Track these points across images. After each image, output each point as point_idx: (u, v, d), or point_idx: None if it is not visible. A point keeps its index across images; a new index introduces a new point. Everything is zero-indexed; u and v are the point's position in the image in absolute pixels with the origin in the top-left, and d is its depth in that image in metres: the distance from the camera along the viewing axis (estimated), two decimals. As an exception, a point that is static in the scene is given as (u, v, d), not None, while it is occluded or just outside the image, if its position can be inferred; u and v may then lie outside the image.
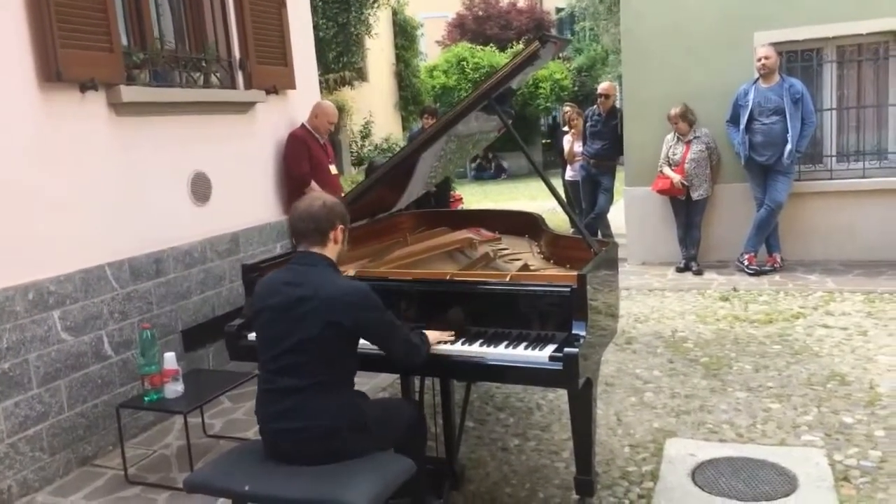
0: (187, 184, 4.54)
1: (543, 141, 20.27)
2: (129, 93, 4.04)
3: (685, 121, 6.74)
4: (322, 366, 2.43)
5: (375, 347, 2.59)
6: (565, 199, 4.79)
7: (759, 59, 6.37)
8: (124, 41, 4.22)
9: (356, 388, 2.61)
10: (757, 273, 6.60)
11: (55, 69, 3.60)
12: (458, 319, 2.80)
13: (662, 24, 7.06)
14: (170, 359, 3.63)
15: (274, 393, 2.47)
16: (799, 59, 6.79)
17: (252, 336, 3.10)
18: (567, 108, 8.74)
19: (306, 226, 2.53)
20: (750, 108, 6.41)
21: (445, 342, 2.73)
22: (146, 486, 3.53)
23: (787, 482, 3.14)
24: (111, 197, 4.00)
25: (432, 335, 2.69)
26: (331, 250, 2.57)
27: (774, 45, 6.49)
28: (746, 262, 6.68)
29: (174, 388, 3.61)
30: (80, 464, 3.79)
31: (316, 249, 2.55)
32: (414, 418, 2.79)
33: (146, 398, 3.61)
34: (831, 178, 6.78)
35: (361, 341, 2.53)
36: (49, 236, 3.65)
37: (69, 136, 3.78)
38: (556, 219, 7.71)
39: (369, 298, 2.47)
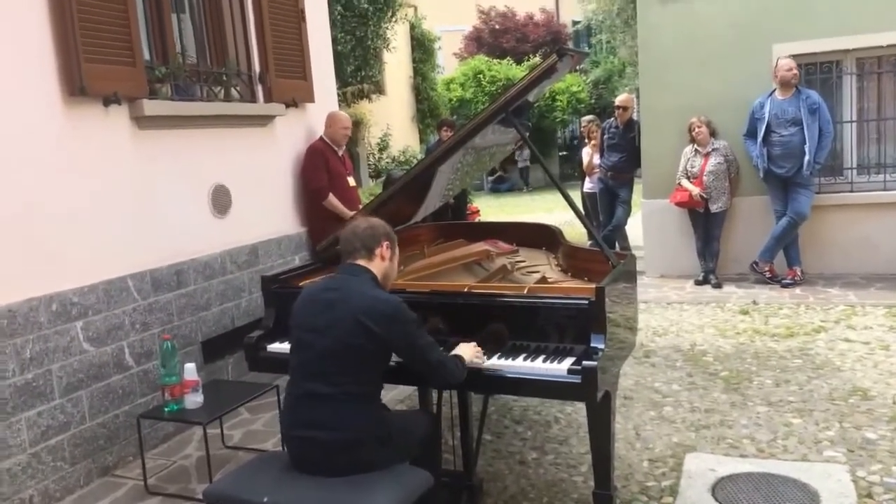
0: (208, 196, 4.59)
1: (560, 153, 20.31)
2: (151, 106, 4.10)
3: (709, 127, 6.73)
4: (351, 374, 2.45)
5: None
6: (583, 212, 4.77)
7: (790, 70, 6.31)
8: (147, 55, 4.28)
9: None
10: (780, 283, 6.56)
11: (79, 83, 3.65)
12: (475, 332, 2.80)
13: (679, 36, 7.06)
14: (190, 370, 3.66)
15: (302, 399, 2.50)
16: (818, 72, 6.76)
17: (271, 347, 3.13)
18: (585, 121, 8.75)
19: (353, 245, 2.64)
20: (767, 119, 6.39)
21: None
22: (166, 497, 3.55)
23: (809, 498, 3.10)
24: (133, 209, 4.06)
25: (466, 352, 2.64)
26: (377, 266, 2.64)
27: (792, 57, 6.46)
28: (768, 274, 6.65)
29: (194, 399, 3.63)
30: (101, 474, 3.82)
31: (361, 262, 2.62)
32: (430, 431, 2.80)
33: (166, 409, 3.64)
34: (852, 191, 6.73)
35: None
36: (72, 248, 3.70)
37: (92, 150, 3.83)
38: (574, 231, 7.69)
39: (403, 311, 2.48)
